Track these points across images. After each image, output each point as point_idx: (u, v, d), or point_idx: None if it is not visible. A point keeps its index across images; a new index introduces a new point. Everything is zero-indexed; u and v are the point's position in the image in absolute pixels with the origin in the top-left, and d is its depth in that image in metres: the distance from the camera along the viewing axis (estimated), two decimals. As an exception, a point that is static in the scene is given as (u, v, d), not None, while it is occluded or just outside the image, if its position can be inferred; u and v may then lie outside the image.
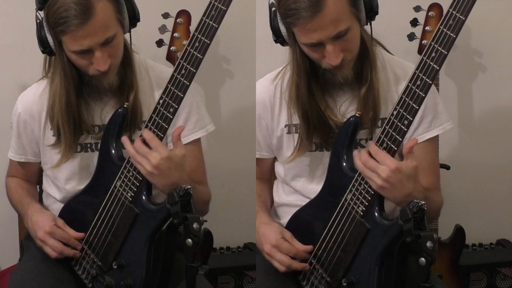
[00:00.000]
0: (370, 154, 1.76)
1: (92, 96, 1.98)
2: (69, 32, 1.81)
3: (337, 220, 1.85)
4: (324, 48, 1.80)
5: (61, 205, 2.04)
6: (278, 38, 1.87)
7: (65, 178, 2.04)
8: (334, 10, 1.75)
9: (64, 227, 1.96)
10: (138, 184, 1.87)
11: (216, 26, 1.76)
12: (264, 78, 2.06)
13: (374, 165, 1.74)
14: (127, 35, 1.96)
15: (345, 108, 1.95)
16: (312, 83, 1.90)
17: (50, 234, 1.94)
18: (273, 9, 1.85)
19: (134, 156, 1.83)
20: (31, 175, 2.15)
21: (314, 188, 1.97)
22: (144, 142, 1.82)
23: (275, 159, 2.11)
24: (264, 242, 1.94)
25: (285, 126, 2.00)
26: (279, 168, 2.09)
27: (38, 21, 1.89)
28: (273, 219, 2.09)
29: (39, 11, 1.87)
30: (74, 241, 1.95)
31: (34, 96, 2.04)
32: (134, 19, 1.92)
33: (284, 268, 1.91)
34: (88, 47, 1.83)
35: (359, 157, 1.77)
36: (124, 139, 1.86)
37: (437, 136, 2.00)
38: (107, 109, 2.00)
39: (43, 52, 1.93)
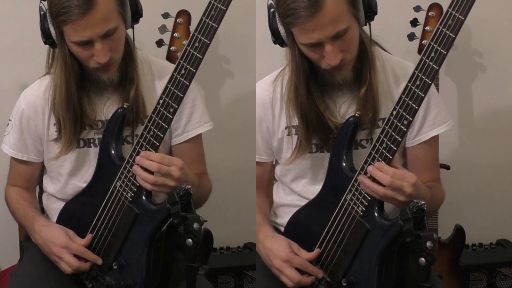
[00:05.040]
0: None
1: (94, 91, 1.99)
2: (71, 22, 1.81)
3: (337, 220, 1.85)
4: (323, 48, 1.79)
5: (61, 204, 2.04)
6: (277, 39, 1.87)
7: (67, 173, 2.04)
8: (333, 9, 1.75)
9: (75, 238, 1.95)
10: (138, 184, 1.87)
11: (216, 26, 1.77)
12: (263, 80, 2.06)
13: (399, 184, 1.73)
14: (130, 32, 1.96)
15: (344, 109, 1.95)
16: (311, 84, 1.90)
17: (66, 249, 1.93)
18: (272, 10, 1.85)
19: (155, 181, 1.82)
20: (32, 179, 2.13)
21: (314, 189, 1.97)
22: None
23: (273, 163, 2.10)
24: (273, 257, 1.92)
25: (285, 128, 2.00)
26: (279, 170, 2.09)
27: (42, 12, 1.90)
28: (272, 220, 2.09)
29: (42, 2, 1.89)
30: (90, 254, 1.94)
31: (38, 92, 2.04)
32: (136, 14, 1.92)
33: (293, 284, 1.89)
34: (89, 38, 1.83)
35: (382, 178, 1.74)
36: (135, 169, 1.84)
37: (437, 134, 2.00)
38: (108, 104, 2.00)
39: (45, 43, 1.94)
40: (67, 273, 1.94)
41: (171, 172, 1.82)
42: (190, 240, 1.74)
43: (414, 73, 1.72)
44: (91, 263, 1.95)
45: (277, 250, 1.92)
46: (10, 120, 2.08)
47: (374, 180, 1.76)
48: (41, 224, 2.00)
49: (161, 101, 1.82)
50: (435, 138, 1.99)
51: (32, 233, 2.03)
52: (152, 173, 1.83)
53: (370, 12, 1.83)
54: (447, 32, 1.67)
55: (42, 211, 2.16)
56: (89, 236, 1.95)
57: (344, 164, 1.87)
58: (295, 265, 1.89)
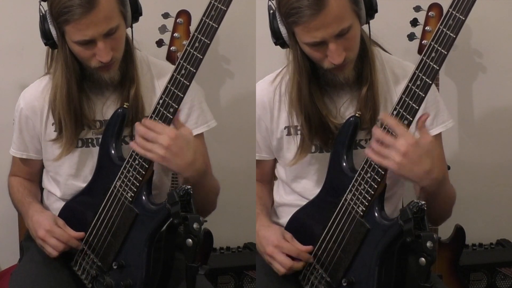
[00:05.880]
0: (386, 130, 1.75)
1: (94, 91, 1.99)
2: (73, 21, 1.81)
3: (337, 220, 1.85)
4: (327, 47, 1.79)
5: (61, 204, 2.04)
6: (278, 40, 1.87)
7: (66, 174, 2.04)
8: (336, 7, 1.75)
9: (64, 227, 1.96)
10: (138, 184, 1.87)
11: (216, 26, 1.77)
12: (263, 80, 2.06)
13: (391, 141, 1.72)
14: (129, 31, 1.96)
15: (344, 109, 1.95)
16: (312, 85, 1.90)
17: (50, 233, 1.94)
18: (272, 11, 1.85)
19: (143, 145, 1.81)
20: (33, 173, 2.15)
21: (314, 189, 1.97)
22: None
23: (275, 161, 2.10)
24: (265, 244, 1.94)
25: (285, 128, 2.00)
26: (279, 170, 2.09)
27: (41, 13, 1.90)
28: (273, 220, 2.09)
29: (42, 3, 1.88)
30: (74, 241, 1.95)
31: (36, 91, 2.04)
32: (136, 13, 1.93)
33: (284, 270, 1.90)
34: (91, 37, 1.83)
35: (375, 132, 1.75)
36: (132, 144, 1.85)
37: (440, 133, 1.99)
38: (108, 104, 2.00)
39: (45, 44, 1.94)
40: (53, 256, 1.95)
41: (158, 140, 1.79)
42: (190, 240, 1.74)
43: (414, 73, 1.72)
44: (77, 247, 1.95)
45: (269, 237, 1.93)
46: (14, 120, 2.09)
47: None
48: (35, 209, 2.03)
49: (161, 101, 1.82)
50: (437, 138, 1.98)
51: (26, 219, 2.05)
52: None
53: (371, 10, 1.83)
54: (447, 32, 1.67)
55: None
56: (82, 233, 1.95)
57: (344, 164, 1.87)
58: (285, 251, 1.90)
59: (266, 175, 2.14)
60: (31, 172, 2.15)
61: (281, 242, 1.91)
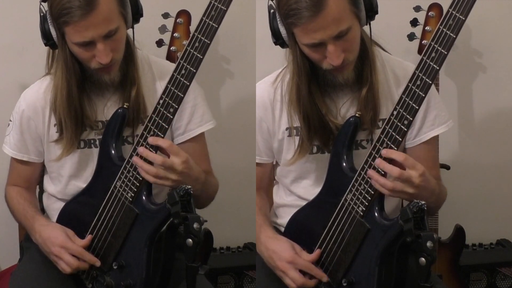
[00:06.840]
0: (387, 160, 1.74)
1: (95, 92, 1.99)
2: (72, 23, 1.81)
3: (337, 220, 1.85)
4: (325, 48, 1.79)
5: (61, 204, 2.04)
6: (278, 40, 1.86)
7: (68, 174, 2.04)
8: (335, 9, 1.75)
9: (74, 238, 1.95)
10: (138, 184, 1.87)
11: (216, 26, 1.76)
12: (263, 81, 2.06)
13: (407, 176, 1.72)
14: (130, 31, 1.96)
15: (345, 110, 1.95)
16: (312, 86, 1.90)
17: (65, 249, 1.92)
18: (272, 11, 1.85)
19: (156, 173, 1.82)
20: (32, 179, 2.13)
21: (314, 190, 1.96)
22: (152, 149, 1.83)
23: (274, 165, 2.10)
24: (276, 259, 1.92)
25: (286, 129, 2.00)
26: (279, 171, 2.08)
27: (41, 13, 1.89)
28: (272, 220, 2.09)
29: (42, 3, 1.88)
30: (88, 256, 1.93)
31: (38, 92, 2.03)
32: (137, 14, 1.92)
33: (296, 286, 1.88)
34: (91, 39, 1.83)
35: (390, 170, 1.73)
36: (136, 160, 1.84)
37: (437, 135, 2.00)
38: (109, 105, 2.00)
39: (46, 44, 1.93)
40: (66, 273, 1.93)
41: (174, 166, 1.81)
42: (190, 240, 1.74)
43: (414, 73, 1.72)
44: (90, 261, 1.94)
45: (281, 252, 1.91)
46: (10, 120, 2.08)
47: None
48: (41, 223, 2.00)
49: (161, 101, 1.82)
50: (435, 138, 2.00)
51: (32, 233, 2.03)
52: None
53: (371, 12, 1.83)
54: (447, 32, 1.67)
55: (42, 211, 2.16)
56: (88, 237, 1.95)
57: (344, 164, 1.87)
58: (299, 267, 1.88)
59: (266, 179, 2.12)
60: (30, 178, 2.12)
61: (295, 258, 1.89)
